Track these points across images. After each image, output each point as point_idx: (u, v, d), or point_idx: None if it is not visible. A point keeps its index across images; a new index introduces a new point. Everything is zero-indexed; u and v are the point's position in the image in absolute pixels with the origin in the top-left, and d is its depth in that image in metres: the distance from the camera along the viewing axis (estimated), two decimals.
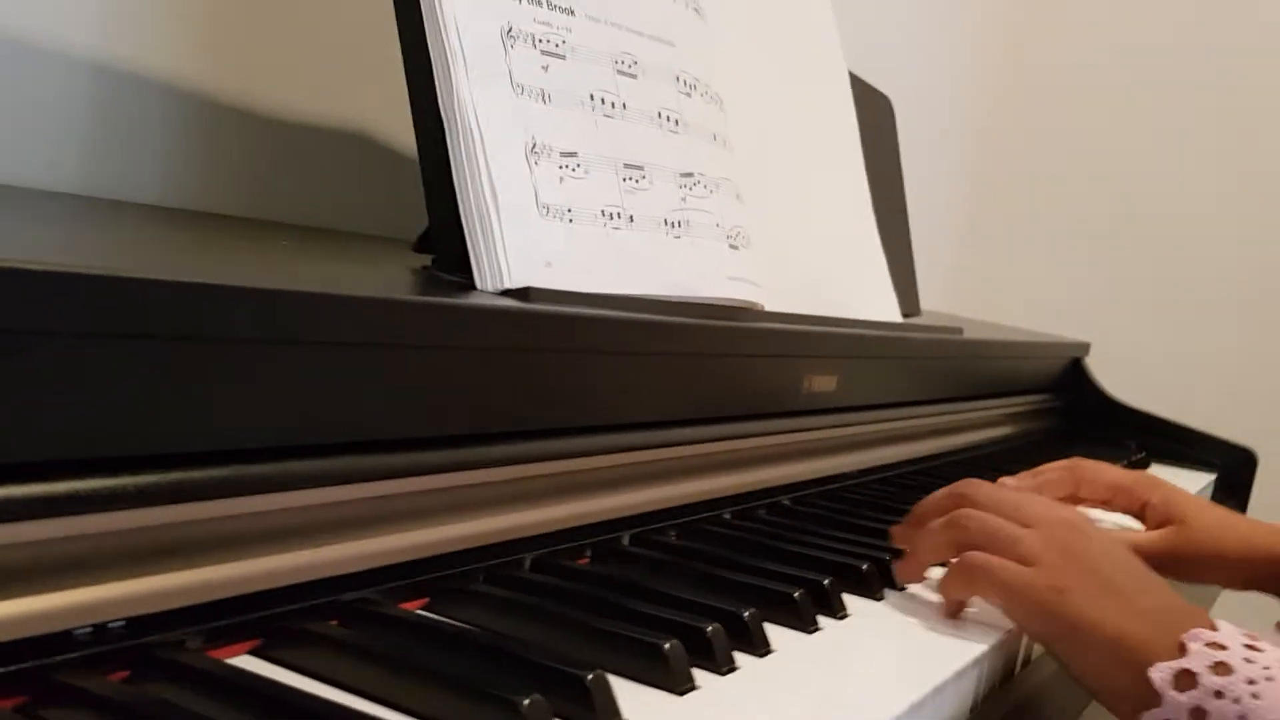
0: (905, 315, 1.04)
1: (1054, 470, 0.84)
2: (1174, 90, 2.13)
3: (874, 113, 1.11)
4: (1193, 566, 0.74)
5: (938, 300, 1.97)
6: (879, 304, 0.94)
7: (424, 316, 0.41)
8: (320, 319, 0.39)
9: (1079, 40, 2.22)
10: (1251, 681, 0.45)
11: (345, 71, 0.83)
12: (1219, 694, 0.45)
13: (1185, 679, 0.46)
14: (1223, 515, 0.76)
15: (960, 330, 1.06)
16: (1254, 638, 0.48)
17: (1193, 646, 0.47)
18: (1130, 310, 2.14)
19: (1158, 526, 0.78)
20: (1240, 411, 1.80)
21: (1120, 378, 1.56)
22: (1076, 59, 2.21)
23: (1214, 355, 2.07)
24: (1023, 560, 0.53)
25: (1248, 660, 0.46)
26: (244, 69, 0.78)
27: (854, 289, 0.90)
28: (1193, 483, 1.30)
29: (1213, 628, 0.48)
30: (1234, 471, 1.36)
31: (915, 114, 1.86)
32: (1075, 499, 0.84)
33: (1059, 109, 2.23)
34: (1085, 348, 1.49)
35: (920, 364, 0.97)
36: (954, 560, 0.56)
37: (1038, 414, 1.39)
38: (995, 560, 0.54)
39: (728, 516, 0.70)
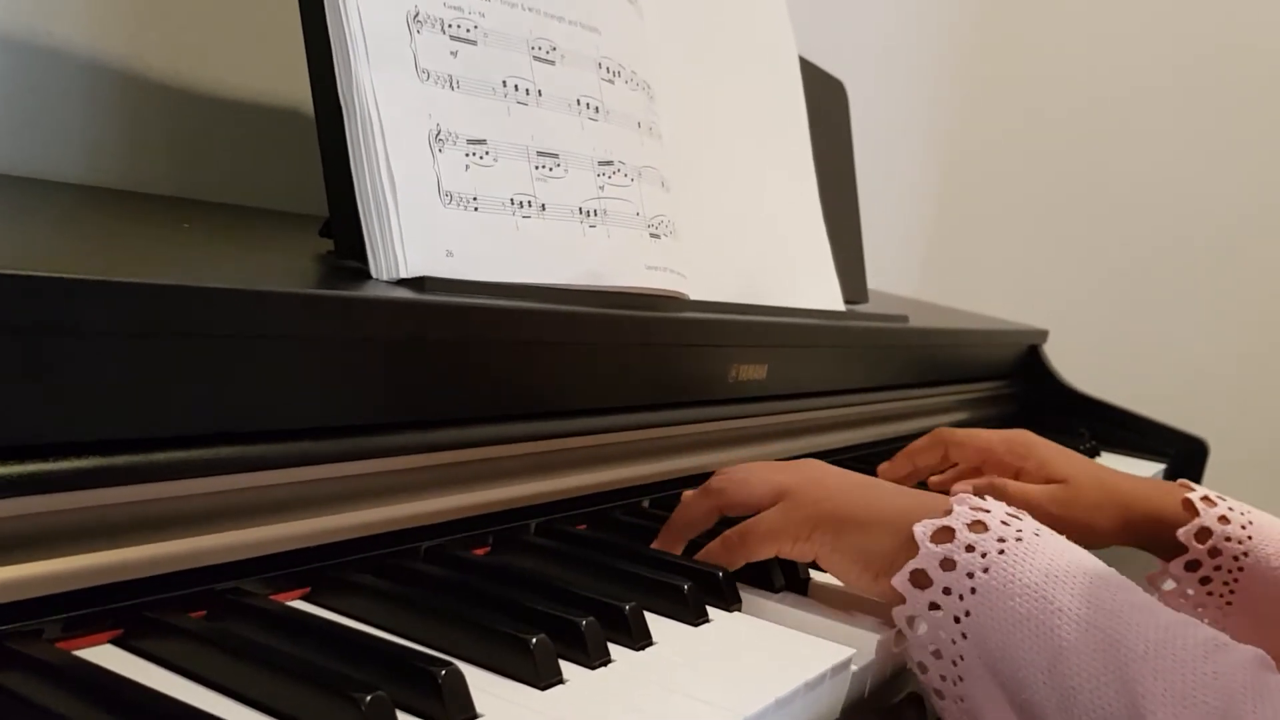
0: (851, 302, 1.03)
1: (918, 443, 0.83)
2: (1142, 79, 2.12)
3: (826, 98, 1.10)
4: (1076, 527, 0.72)
5: (915, 286, 1.97)
6: (820, 291, 0.93)
7: (286, 307, 0.41)
8: (182, 311, 0.39)
9: (1047, 28, 2.21)
10: (1001, 540, 0.47)
11: (274, 47, 0.82)
12: (970, 548, 0.47)
13: (944, 534, 0.48)
14: (1099, 471, 0.75)
15: (905, 318, 1.06)
16: (1020, 513, 0.50)
17: (958, 509, 0.49)
18: (1098, 298, 2.15)
19: None
20: (1196, 401, 1.81)
21: (1085, 366, 1.56)
22: (1045, 48, 2.21)
23: (1176, 345, 2.08)
24: (779, 494, 0.56)
25: (1004, 523, 0.48)
26: (170, 44, 0.77)
27: (793, 276, 0.90)
28: (1145, 471, 1.30)
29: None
30: (1185, 461, 1.37)
31: (887, 102, 1.85)
32: (947, 462, 0.82)
33: (1027, 96, 2.23)
34: (1044, 335, 1.49)
35: (859, 352, 0.97)
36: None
37: (992, 401, 1.40)
38: (750, 522, 0.56)
39: (646, 505, 0.70)
